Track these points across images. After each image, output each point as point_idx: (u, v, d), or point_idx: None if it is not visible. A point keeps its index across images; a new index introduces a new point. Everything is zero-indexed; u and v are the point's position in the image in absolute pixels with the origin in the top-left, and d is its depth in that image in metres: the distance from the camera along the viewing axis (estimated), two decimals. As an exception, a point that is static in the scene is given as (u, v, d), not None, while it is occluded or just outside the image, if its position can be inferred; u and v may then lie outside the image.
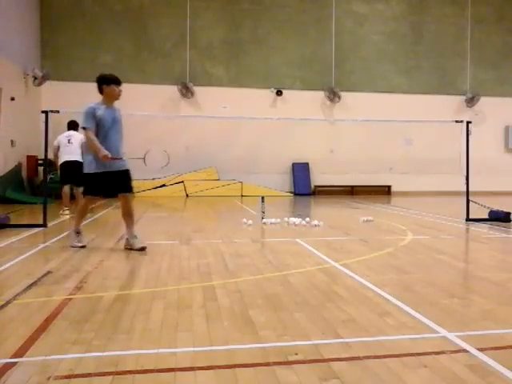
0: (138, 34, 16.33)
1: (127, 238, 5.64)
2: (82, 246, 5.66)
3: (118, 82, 5.63)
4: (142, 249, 5.47)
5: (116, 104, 5.74)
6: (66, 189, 9.29)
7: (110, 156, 5.40)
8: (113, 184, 5.61)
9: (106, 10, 16.16)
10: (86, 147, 5.64)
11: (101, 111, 5.49)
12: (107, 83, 5.58)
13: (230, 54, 16.90)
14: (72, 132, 9.45)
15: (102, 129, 5.49)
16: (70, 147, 9.15)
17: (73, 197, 9.47)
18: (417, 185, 17.56)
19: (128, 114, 14.81)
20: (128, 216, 5.72)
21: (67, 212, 9.11)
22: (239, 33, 16.97)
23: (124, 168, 5.71)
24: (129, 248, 5.56)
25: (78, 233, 5.76)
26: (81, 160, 8.57)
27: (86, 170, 5.60)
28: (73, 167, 8.92)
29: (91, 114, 5.45)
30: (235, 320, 3.03)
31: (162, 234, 7.16)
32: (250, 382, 2.18)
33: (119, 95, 5.64)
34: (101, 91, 5.60)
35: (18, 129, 13.43)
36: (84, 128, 5.48)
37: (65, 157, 9.16)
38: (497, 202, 10.55)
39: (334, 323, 2.96)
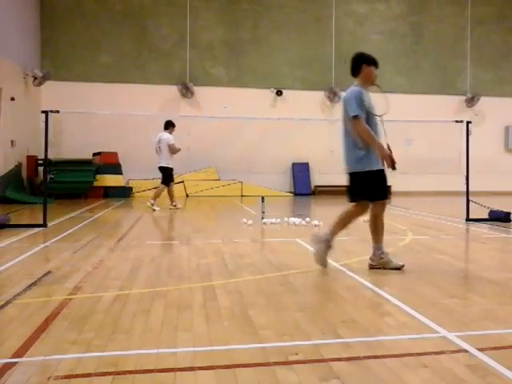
0: (138, 34, 16.32)
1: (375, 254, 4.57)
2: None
3: (377, 65, 4.73)
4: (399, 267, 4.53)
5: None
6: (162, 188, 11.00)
7: (391, 155, 4.35)
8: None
9: (106, 10, 16.16)
10: (360, 140, 4.41)
11: (366, 96, 4.55)
12: (368, 63, 4.66)
13: (230, 54, 16.90)
14: (161, 134, 10.96)
15: (372, 118, 4.52)
16: (160, 155, 10.89)
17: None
18: (417, 185, 17.55)
19: (128, 114, 14.87)
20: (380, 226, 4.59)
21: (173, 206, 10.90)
22: (239, 33, 16.96)
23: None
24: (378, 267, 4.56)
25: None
26: (165, 165, 10.83)
27: (366, 167, 4.44)
28: (162, 172, 10.91)
29: (361, 100, 4.46)
30: (235, 320, 3.03)
31: (162, 233, 7.16)
32: (250, 382, 2.18)
33: (374, 80, 4.73)
34: (358, 72, 4.68)
35: (18, 129, 13.42)
36: (355, 117, 4.39)
37: (158, 162, 10.99)
38: (497, 201, 10.55)
39: (334, 323, 2.96)
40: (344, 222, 4.59)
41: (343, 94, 4.73)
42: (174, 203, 10.97)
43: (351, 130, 4.49)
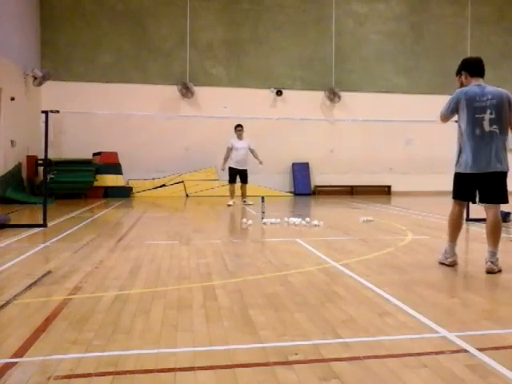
0: (138, 34, 16.31)
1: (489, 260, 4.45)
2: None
3: None
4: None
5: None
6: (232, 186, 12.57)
7: None
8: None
9: (106, 10, 16.15)
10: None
11: None
12: None
13: (230, 54, 16.89)
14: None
15: None
16: (240, 154, 12.53)
17: None
18: (417, 185, 17.55)
19: (128, 114, 14.82)
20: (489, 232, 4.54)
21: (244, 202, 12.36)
22: (239, 33, 16.96)
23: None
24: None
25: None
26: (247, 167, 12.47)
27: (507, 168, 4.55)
28: (239, 173, 12.57)
29: None
30: (235, 320, 3.03)
31: (162, 233, 7.16)
32: (250, 382, 2.18)
33: None
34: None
35: (18, 129, 13.42)
36: None
37: (232, 163, 12.52)
38: (497, 201, 10.53)
39: (334, 323, 2.96)
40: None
41: (493, 92, 4.77)
42: (244, 199, 12.52)
43: (507, 129, 4.54)
